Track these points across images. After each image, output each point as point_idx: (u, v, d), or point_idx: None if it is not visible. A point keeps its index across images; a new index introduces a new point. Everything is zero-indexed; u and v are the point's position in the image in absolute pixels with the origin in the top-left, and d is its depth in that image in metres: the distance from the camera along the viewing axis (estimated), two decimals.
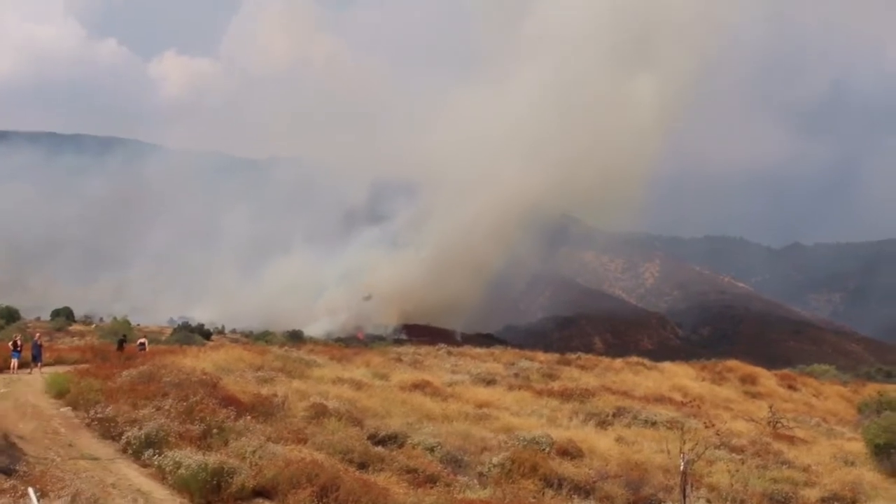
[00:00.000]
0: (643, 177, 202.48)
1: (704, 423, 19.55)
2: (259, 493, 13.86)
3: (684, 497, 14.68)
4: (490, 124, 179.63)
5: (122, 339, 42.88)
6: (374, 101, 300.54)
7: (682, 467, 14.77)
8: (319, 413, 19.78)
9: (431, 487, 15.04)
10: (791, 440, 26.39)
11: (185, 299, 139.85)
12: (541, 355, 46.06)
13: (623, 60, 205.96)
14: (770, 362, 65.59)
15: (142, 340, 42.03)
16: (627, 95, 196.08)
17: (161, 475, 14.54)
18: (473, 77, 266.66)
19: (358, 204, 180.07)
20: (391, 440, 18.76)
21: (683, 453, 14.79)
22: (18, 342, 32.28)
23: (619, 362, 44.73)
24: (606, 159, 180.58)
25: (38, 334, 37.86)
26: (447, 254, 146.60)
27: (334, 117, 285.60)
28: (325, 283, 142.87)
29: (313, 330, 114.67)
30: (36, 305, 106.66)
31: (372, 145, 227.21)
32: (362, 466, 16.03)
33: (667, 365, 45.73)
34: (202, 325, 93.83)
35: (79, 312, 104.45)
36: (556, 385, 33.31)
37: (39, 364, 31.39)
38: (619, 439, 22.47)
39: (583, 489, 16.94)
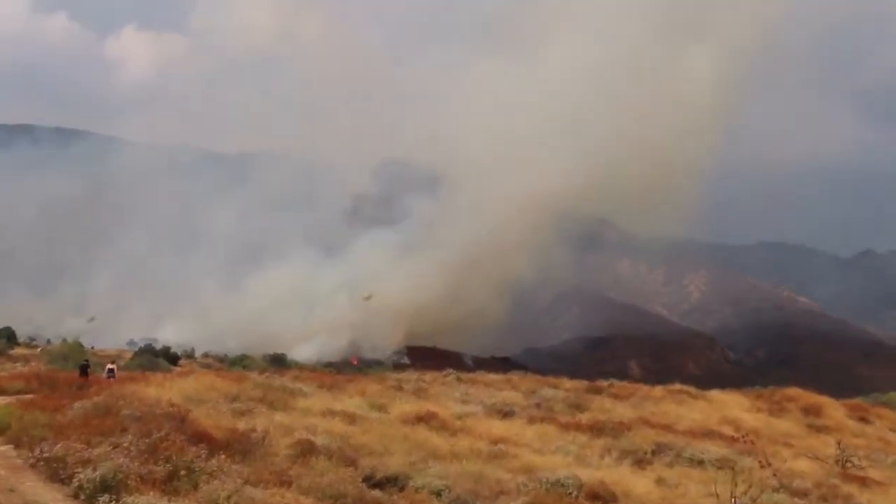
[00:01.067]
0: (694, 171, 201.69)
1: (760, 461, 19.50)
2: None
3: None
4: (515, 106, 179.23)
5: (86, 364, 42.71)
6: (373, 84, 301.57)
7: None
8: (306, 451, 19.76)
9: None
10: (863, 482, 26.29)
11: (152, 317, 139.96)
12: (567, 382, 46.01)
13: (673, 29, 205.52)
14: (838, 390, 65.41)
15: (110, 366, 41.95)
16: (678, 72, 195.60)
17: None
18: (491, 50, 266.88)
19: (360, 203, 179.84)
20: (391, 482, 18.75)
21: (735, 498, 14.76)
22: None
23: (659, 390, 44.63)
24: (653, 149, 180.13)
25: None
26: (464, 260, 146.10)
27: (326, 104, 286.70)
28: (320, 295, 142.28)
29: (302, 353, 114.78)
30: None
31: (373, 133, 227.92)
32: None
33: (716, 393, 45.62)
34: (168, 348, 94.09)
35: (26, 332, 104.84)
36: (584, 417, 33.30)
37: None
38: (659, 481, 22.43)
39: None
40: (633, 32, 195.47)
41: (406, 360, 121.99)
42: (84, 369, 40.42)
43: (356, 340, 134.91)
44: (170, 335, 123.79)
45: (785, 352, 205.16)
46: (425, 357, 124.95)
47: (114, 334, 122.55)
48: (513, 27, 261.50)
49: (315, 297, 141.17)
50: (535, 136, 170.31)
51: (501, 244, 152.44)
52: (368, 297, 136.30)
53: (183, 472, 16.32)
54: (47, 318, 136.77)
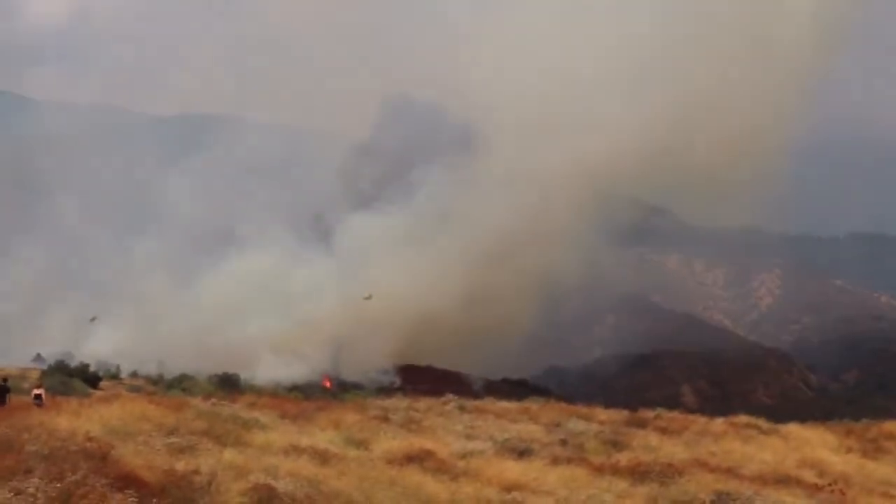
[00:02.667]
0: (775, 142, 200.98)
1: None
2: None
3: None
4: (556, 52, 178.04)
5: (4, 385, 42.42)
6: (360, 27, 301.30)
7: None
8: (264, 499, 19.78)
9: None
10: None
11: (76, 321, 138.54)
12: (600, 412, 46.14)
13: None
14: None
15: (38, 391, 41.70)
16: (765, 10, 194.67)
17: None
18: None
19: (351, 176, 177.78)
20: None
21: None
22: None
23: (720, 423, 44.73)
24: (727, 112, 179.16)
25: None
26: (486, 253, 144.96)
27: (299, 53, 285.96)
28: (298, 295, 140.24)
29: (272, 370, 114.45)
30: None
31: (364, 88, 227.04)
32: None
33: (793, 428, 45.67)
34: (87, 367, 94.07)
35: None
36: (623, 458, 33.32)
37: None
38: None
39: None
40: None
41: (397, 383, 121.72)
42: (1, 393, 40.28)
43: (338, 356, 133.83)
44: (101, 345, 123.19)
45: (884, 374, 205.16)
46: (419, 378, 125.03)
47: (17, 347, 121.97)
48: None
49: (291, 297, 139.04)
50: (578, 92, 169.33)
51: (541, 231, 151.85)
52: (368, 297, 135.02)
53: None
54: None
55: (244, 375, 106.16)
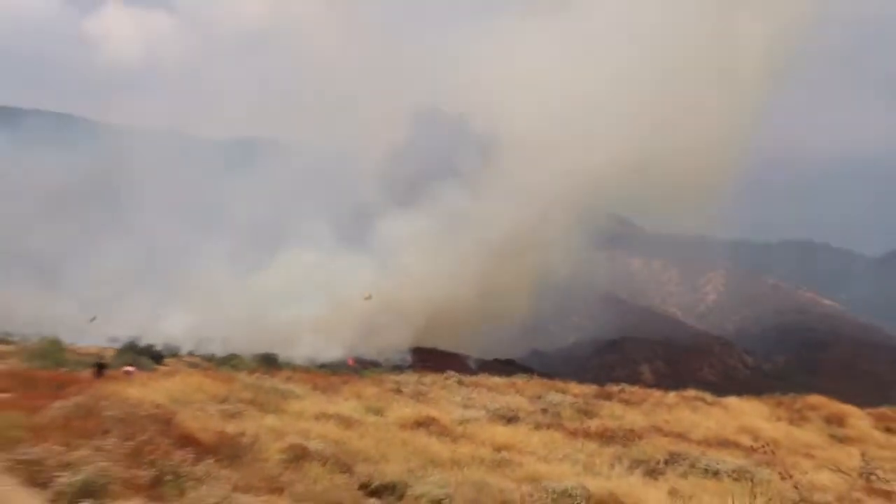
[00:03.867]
0: (727, 160, 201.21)
1: (780, 473, 19.51)
2: None
3: None
4: (556, 82, 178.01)
5: (101, 364, 42.69)
6: (384, 62, 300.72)
7: None
8: (299, 456, 19.78)
9: None
10: (889, 497, 26.28)
11: (153, 307, 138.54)
12: (575, 387, 45.98)
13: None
14: (863, 399, 65.40)
15: (128, 368, 41.95)
16: (727, 45, 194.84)
17: None
18: (511, 13, 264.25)
19: (383, 186, 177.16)
20: (388, 490, 18.74)
21: None
22: None
23: (672, 396, 44.69)
24: (695, 132, 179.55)
25: None
26: (499, 253, 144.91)
27: (333, 87, 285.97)
28: (338, 286, 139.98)
29: (306, 350, 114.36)
30: None
31: (388, 113, 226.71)
32: None
33: (733, 401, 45.59)
34: (152, 346, 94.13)
35: (4, 327, 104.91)
36: (593, 424, 33.29)
37: None
38: (672, 492, 22.42)
39: None
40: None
41: (408, 362, 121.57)
42: (100, 369, 40.51)
43: (366, 339, 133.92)
44: (173, 326, 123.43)
45: (807, 357, 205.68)
46: (426, 358, 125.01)
47: (108, 328, 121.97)
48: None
49: (333, 288, 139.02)
50: (575, 117, 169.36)
51: (540, 235, 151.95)
52: (368, 297, 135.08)
53: (168, 478, 16.33)
54: (32, 312, 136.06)
55: (284, 354, 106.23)
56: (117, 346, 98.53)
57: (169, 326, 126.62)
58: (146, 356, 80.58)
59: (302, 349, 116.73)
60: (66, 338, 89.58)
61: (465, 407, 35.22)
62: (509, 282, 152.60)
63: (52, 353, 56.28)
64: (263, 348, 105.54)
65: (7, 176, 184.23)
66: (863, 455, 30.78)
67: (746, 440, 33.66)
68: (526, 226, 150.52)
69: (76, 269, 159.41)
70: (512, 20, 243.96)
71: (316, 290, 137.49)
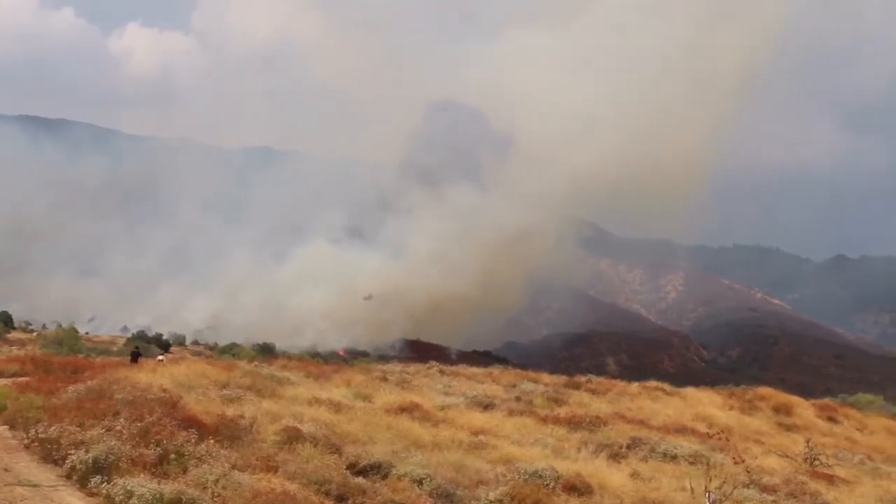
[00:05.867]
0: (697, 170, 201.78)
1: (732, 457, 19.58)
2: None
3: None
4: (551, 96, 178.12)
5: (137, 350, 42.87)
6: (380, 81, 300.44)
7: None
8: (292, 438, 19.76)
9: None
10: (831, 480, 26.39)
11: (177, 296, 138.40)
12: (546, 377, 45.97)
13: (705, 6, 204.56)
14: (808, 390, 65.79)
15: (161, 357, 42.08)
16: (704, 57, 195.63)
17: None
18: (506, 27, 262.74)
19: (395, 187, 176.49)
20: (374, 470, 18.73)
21: (709, 492, 14.81)
22: None
23: (635, 387, 44.68)
24: (672, 141, 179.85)
25: None
26: (497, 252, 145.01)
27: (345, 100, 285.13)
28: (353, 279, 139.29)
29: (314, 336, 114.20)
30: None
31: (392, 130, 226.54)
32: (341, 499, 16.01)
33: (690, 391, 45.66)
34: (160, 335, 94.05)
35: (27, 315, 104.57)
36: (562, 411, 33.25)
37: None
38: (633, 474, 22.45)
39: None
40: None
41: (399, 352, 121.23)
42: (135, 356, 40.71)
43: (367, 328, 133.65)
44: (194, 312, 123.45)
45: (757, 351, 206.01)
46: (411, 349, 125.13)
47: (133, 315, 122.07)
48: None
49: (343, 279, 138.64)
50: (572, 123, 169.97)
51: (537, 237, 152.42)
52: (369, 297, 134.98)
53: (173, 456, 16.31)
54: (58, 300, 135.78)
55: (292, 342, 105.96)
56: (128, 335, 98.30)
57: (191, 313, 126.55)
58: (154, 344, 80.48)
59: (309, 336, 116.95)
60: (83, 328, 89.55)
61: (446, 394, 35.18)
62: (506, 278, 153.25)
63: (68, 340, 56.08)
64: (274, 336, 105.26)
65: (53, 179, 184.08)
66: (807, 442, 30.90)
67: (702, 427, 33.65)
68: (527, 227, 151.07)
69: (111, 262, 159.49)
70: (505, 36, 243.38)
71: (328, 280, 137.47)
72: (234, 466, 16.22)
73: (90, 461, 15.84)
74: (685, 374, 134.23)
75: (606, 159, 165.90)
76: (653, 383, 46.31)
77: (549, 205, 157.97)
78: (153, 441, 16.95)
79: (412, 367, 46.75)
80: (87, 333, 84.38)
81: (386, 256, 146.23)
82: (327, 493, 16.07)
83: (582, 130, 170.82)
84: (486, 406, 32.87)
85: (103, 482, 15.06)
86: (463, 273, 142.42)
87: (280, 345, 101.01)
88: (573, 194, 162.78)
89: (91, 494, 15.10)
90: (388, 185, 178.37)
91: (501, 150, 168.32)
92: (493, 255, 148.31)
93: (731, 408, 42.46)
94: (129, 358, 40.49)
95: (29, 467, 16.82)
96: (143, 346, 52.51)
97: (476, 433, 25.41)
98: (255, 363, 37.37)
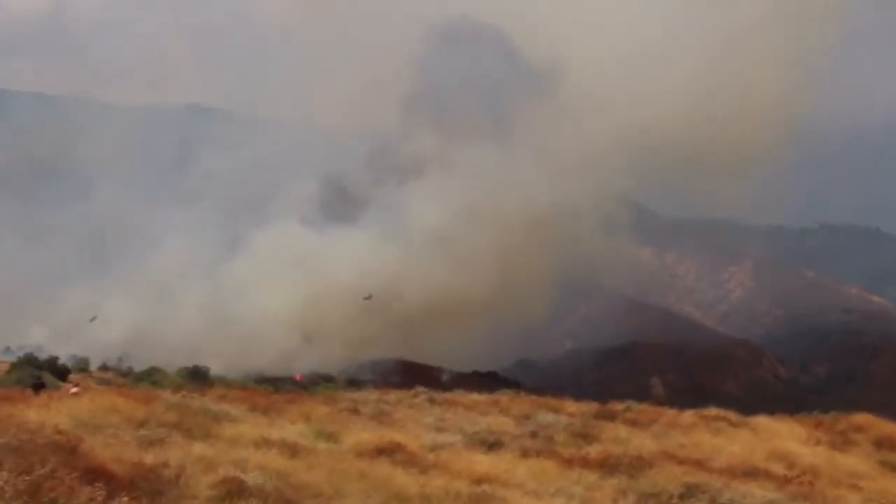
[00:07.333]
0: (782, 124, 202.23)
1: None
2: None
3: None
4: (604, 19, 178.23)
5: (39, 381, 42.72)
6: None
7: None
8: (233, 492, 19.80)
9: None
10: None
11: (77, 309, 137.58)
12: (570, 405, 46.23)
13: None
14: None
15: (74, 388, 41.84)
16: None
17: None
18: None
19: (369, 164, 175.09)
20: None
21: None
22: None
23: (689, 415, 44.89)
24: (741, 87, 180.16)
25: None
26: (512, 245, 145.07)
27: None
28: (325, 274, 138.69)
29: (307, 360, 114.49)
30: None
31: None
32: None
33: (762, 420, 45.84)
34: (55, 359, 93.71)
35: None
36: (593, 450, 33.41)
37: None
38: None
39: None
40: None
41: (366, 376, 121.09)
42: (37, 388, 40.53)
43: (345, 345, 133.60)
44: (111, 327, 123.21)
45: (853, 367, 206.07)
46: (389, 371, 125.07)
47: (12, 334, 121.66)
48: None
49: (310, 264, 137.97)
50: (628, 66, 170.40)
51: (565, 217, 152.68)
52: (368, 298, 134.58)
53: None
54: None
55: (223, 366, 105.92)
56: (11, 358, 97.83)
57: (103, 326, 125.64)
58: (48, 370, 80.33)
59: (266, 354, 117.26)
60: None
61: (438, 430, 35.35)
62: (528, 274, 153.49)
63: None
64: (215, 355, 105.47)
65: None
66: None
67: (779, 468, 33.86)
68: (559, 203, 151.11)
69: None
70: None
71: (294, 275, 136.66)
72: None
73: None
74: (756, 398, 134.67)
75: (666, 113, 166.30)
76: (713, 411, 46.48)
77: (589, 171, 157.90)
78: (47, 500, 16.95)
79: (392, 395, 46.95)
80: None
81: (374, 241, 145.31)
82: None
83: (640, 72, 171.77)
84: (492, 445, 33.03)
85: None
86: (473, 265, 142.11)
87: (218, 367, 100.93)
88: (616, 162, 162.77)
89: None
90: (375, 148, 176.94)
91: (532, 96, 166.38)
92: (514, 242, 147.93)
93: (818, 442, 42.62)
94: (31, 390, 40.33)
95: None
96: (43, 375, 52.34)
97: (478, 482, 25.49)
98: (183, 393, 37.45)
